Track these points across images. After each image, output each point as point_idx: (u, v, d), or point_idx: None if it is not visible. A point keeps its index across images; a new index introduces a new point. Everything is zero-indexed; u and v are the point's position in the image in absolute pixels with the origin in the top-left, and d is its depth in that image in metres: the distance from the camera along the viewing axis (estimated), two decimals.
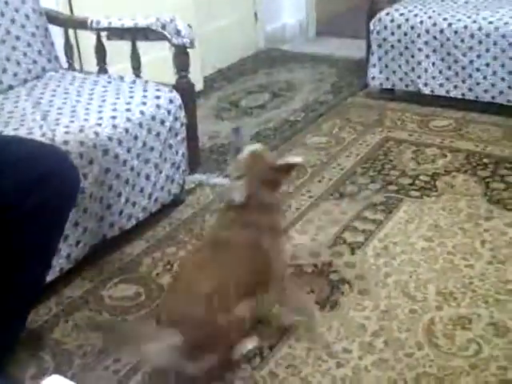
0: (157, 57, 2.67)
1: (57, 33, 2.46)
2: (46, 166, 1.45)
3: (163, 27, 2.18)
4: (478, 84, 2.89)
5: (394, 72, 3.10)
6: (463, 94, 2.95)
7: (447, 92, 2.99)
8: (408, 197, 2.31)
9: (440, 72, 2.97)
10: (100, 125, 1.94)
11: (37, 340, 1.68)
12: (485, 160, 2.52)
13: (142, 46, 2.31)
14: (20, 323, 1.51)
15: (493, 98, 2.88)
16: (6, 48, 2.19)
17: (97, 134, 1.91)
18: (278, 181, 1.59)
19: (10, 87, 2.20)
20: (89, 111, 2.01)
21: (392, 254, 1.99)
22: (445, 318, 1.72)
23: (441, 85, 2.99)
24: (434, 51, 2.95)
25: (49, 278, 1.67)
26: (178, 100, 2.19)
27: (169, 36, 2.18)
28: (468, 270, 1.90)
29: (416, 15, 2.98)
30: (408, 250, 2.01)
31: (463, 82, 2.92)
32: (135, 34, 2.27)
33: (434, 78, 2.99)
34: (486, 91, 2.88)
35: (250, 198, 1.53)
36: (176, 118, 2.19)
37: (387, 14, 3.06)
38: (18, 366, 1.58)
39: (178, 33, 2.17)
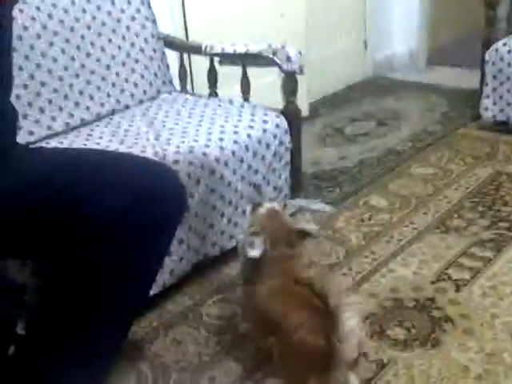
0: (266, 82, 2.72)
1: (172, 56, 2.57)
2: (158, 184, 1.49)
3: (274, 53, 2.22)
4: None
5: (509, 104, 2.97)
6: None
7: None
8: None
9: None
10: (208, 146, 2.00)
11: (137, 351, 1.74)
12: None
13: (251, 70, 2.36)
14: (123, 334, 1.56)
15: None
16: (126, 70, 2.31)
17: (205, 154, 1.96)
18: (292, 243, 1.60)
19: (127, 107, 2.31)
20: (198, 132, 2.07)
21: (500, 295, 1.89)
22: None
23: None
24: None
25: (152, 292, 1.72)
26: (285, 125, 2.22)
27: (279, 62, 2.21)
28: None
29: None
30: None
31: None
32: (246, 60, 2.33)
33: None
34: None
35: (266, 255, 1.55)
36: (281, 143, 2.21)
37: (504, 44, 2.95)
38: (117, 375, 1.63)
39: (289, 59, 2.20)
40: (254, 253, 1.56)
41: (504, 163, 2.74)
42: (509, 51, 2.91)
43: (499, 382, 1.57)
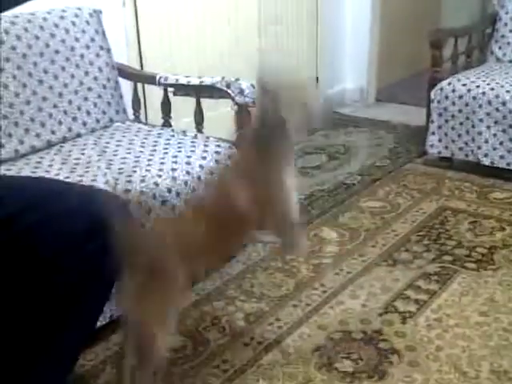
0: (219, 113, 2.75)
1: (126, 86, 2.57)
2: (104, 214, 1.48)
3: (228, 86, 2.26)
4: None
5: (454, 141, 3.08)
6: None
7: (508, 164, 2.94)
8: (464, 268, 2.25)
9: (501, 144, 2.93)
10: (160, 176, 1.99)
11: None
12: None
13: (205, 102, 2.38)
14: (69, 368, 1.52)
15: None
16: (79, 98, 2.30)
17: (157, 184, 1.96)
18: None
19: (79, 135, 2.29)
20: (151, 162, 2.07)
21: (445, 327, 1.94)
22: None
23: (501, 157, 2.94)
24: (496, 122, 2.92)
25: (98, 323, 1.69)
26: None
27: (232, 94, 2.24)
28: None
29: (478, 86, 2.98)
30: (462, 324, 1.95)
31: None
32: (200, 91, 2.35)
33: (494, 149, 2.95)
34: None
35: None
36: None
37: (449, 83, 3.07)
38: None
39: (242, 92, 2.23)
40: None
41: (449, 198, 2.83)
42: (453, 90, 3.03)
43: None
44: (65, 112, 2.25)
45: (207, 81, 2.32)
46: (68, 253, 1.38)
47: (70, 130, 2.27)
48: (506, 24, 3.35)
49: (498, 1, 3.40)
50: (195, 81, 2.35)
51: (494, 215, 2.65)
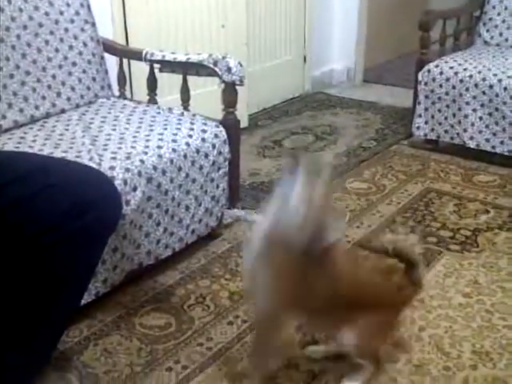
0: (206, 91, 2.72)
1: (111, 62, 2.53)
2: (91, 191, 1.46)
3: (215, 63, 2.23)
4: None
5: (440, 123, 3.09)
6: (510, 151, 2.91)
7: (493, 147, 2.95)
8: (448, 250, 2.27)
9: (487, 127, 2.94)
10: (146, 153, 1.97)
11: (66, 361, 1.69)
12: None
13: (192, 79, 2.36)
14: (52, 345, 1.52)
15: None
16: (63, 73, 2.26)
17: (142, 161, 1.94)
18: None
19: (63, 111, 2.26)
20: (136, 139, 2.05)
21: (428, 308, 1.95)
22: (479, 379, 1.66)
23: (487, 140, 2.96)
24: (482, 106, 2.93)
25: (83, 301, 1.68)
26: (224, 135, 2.22)
27: (220, 72, 2.22)
28: (506, 330, 1.85)
29: (465, 69, 2.98)
30: (445, 305, 1.96)
31: (510, 138, 2.89)
32: (187, 69, 2.32)
33: (480, 132, 2.96)
34: None
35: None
36: (220, 153, 2.21)
37: (436, 66, 3.06)
38: None
39: (229, 70, 2.20)
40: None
41: (434, 180, 2.84)
42: (440, 73, 3.03)
43: None
44: (48, 87, 2.21)
45: (194, 58, 2.29)
46: (52, 230, 1.36)
47: (53, 105, 2.23)
48: (494, 7, 3.35)
49: None
50: (182, 57, 2.31)
51: (479, 198, 2.66)
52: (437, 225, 2.44)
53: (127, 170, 1.88)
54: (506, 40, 3.32)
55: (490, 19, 3.36)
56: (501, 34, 3.34)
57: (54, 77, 2.23)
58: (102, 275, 1.85)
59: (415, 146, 3.20)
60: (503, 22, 3.33)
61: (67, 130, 2.10)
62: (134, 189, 1.90)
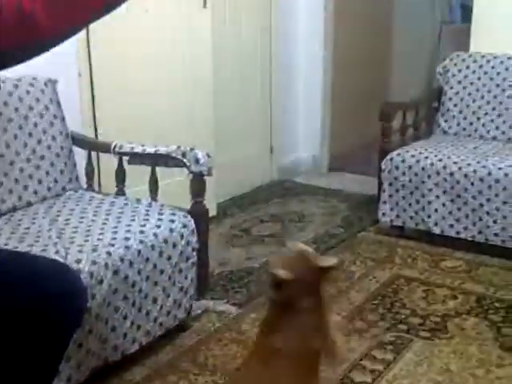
0: (174, 182, 2.75)
1: (80, 154, 2.56)
2: (56, 285, 1.44)
3: (183, 155, 2.27)
4: (488, 227, 2.92)
5: (405, 210, 3.15)
6: (473, 236, 2.97)
7: (457, 233, 3.01)
8: (418, 337, 2.26)
9: (450, 213, 3.02)
10: (113, 245, 1.96)
11: None
12: (496, 304, 2.49)
13: (160, 170, 2.39)
14: None
15: (503, 241, 2.90)
16: (30, 167, 2.27)
17: (109, 253, 1.92)
18: (318, 282, 1.56)
19: (29, 204, 2.25)
20: (103, 231, 2.04)
21: None
22: None
23: (451, 226, 3.02)
24: (444, 192, 3.01)
25: None
26: (192, 225, 2.23)
27: (188, 164, 2.25)
28: None
29: (427, 157, 3.08)
30: None
31: (473, 224, 2.96)
32: (156, 160, 2.35)
33: (444, 218, 3.03)
34: (496, 235, 2.90)
35: (294, 299, 1.51)
36: (188, 243, 2.21)
37: (398, 154, 3.16)
38: None
39: (197, 161, 2.25)
40: (285, 275, 1.48)
41: (401, 266, 2.86)
42: (402, 161, 3.12)
43: None
44: (15, 180, 2.21)
45: (163, 150, 2.33)
46: (11, 326, 1.33)
47: (20, 198, 2.22)
48: (450, 98, 3.51)
49: (442, 76, 3.58)
50: (150, 149, 2.35)
51: (446, 283, 2.68)
52: (406, 312, 2.44)
53: (93, 262, 1.86)
54: (464, 129, 3.47)
55: (448, 110, 3.52)
56: (458, 124, 3.48)
57: (21, 170, 2.24)
58: (66, 373, 1.78)
59: (381, 233, 3.25)
60: (460, 112, 3.49)
61: (34, 223, 2.08)
62: (101, 281, 1.87)
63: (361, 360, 2.12)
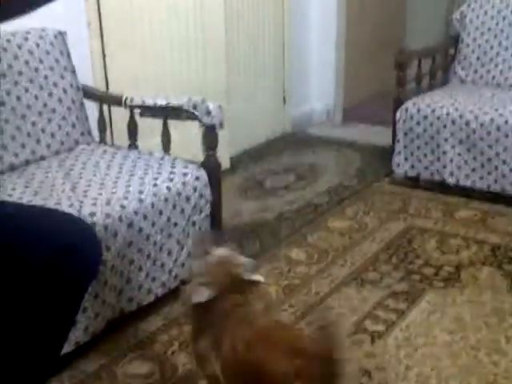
0: (186, 134, 2.74)
1: (91, 107, 2.54)
2: (70, 238, 1.46)
3: (194, 107, 2.25)
4: (503, 176, 2.89)
5: (420, 161, 3.12)
6: (489, 186, 2.95)
7: (473, 183, 2.99)
8: (431, 287, 2.27)
9: (465, 163, 2.98)
10: (127, 198, 1.97)
11: None
12: (510, 254, 2.48)
13: (172, 123, 2.37)
14: None
15: None
16: (42, 120, 2.26)
17: (123, 207, 1.93)
18: (242, 290, 1.53)
19: (42, 158, 2.25)
20: (117, 185, 2.04)
21: (414, 346, 1.94)
22: None
23: (466, 176, 2.99)
24: (460, 142, 2.97)
25: (64, 351, 1.64)
26: (205, 178, 2.23)
27: (199, 116, 2.23)
28: (492, 367, 1.84)
29: (442, 106, 3.03)
30: (430, 343, 1.95)
31: (489, 173, 2.93)
32: (167, 113, 2.34)
33: (459, 168, 3.00)
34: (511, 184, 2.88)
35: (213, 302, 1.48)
36: (201, 196, 2.21)
37: (414, 104, 3.12)
38: None
39: (209, 113, 2.22)
40: (200, 298, 1.48)
41: (415, 217, 2.85)
42: (418, 110, 3.08)
43: None
44: (28, 134, 2.21)
45: (174, 102, 2.31)
46: (30, 276, 1.36)
47: (33, 152, 2.23)
48: (467, 45, 3.43)
49: (459, 23, 3.48)
50: (162, 102, 2.33)
51: (460, 233, 2.68)
52: (419, 262, 2.45)
53: (108, 215, 1.87)
54: (481, 77, 3.40)
55: (465, 57, 3.45)
56: (475, 72, 3.41)
57: (33, 124, 2.23)
58: (83, 323, 1.82)
59: (396, 184, 3.23)
60: (477, 59, 3.41)
61: (47, 177, 2.09)
62: (115, 234, 1.88)
63: (374, 309, 2.13)
